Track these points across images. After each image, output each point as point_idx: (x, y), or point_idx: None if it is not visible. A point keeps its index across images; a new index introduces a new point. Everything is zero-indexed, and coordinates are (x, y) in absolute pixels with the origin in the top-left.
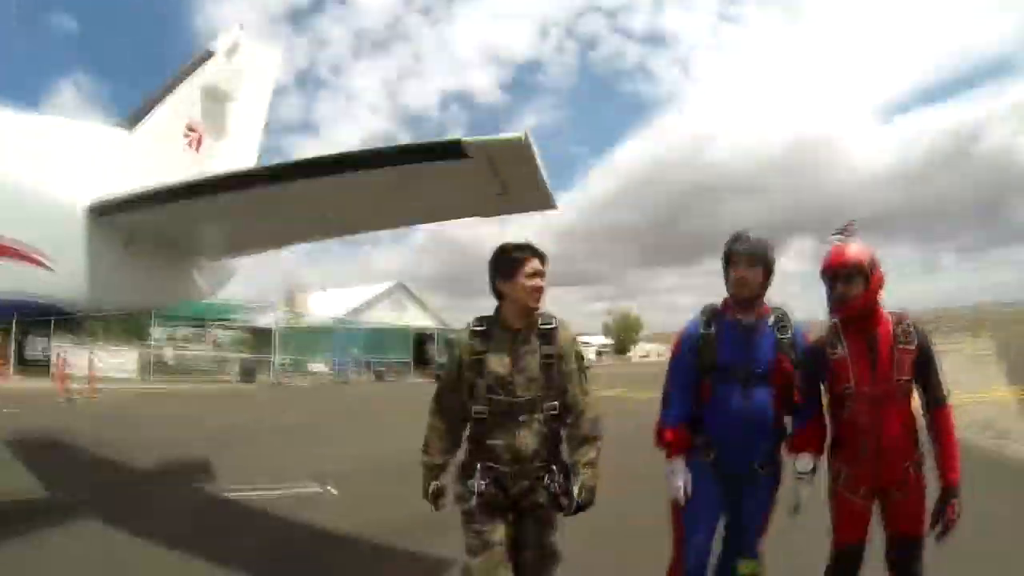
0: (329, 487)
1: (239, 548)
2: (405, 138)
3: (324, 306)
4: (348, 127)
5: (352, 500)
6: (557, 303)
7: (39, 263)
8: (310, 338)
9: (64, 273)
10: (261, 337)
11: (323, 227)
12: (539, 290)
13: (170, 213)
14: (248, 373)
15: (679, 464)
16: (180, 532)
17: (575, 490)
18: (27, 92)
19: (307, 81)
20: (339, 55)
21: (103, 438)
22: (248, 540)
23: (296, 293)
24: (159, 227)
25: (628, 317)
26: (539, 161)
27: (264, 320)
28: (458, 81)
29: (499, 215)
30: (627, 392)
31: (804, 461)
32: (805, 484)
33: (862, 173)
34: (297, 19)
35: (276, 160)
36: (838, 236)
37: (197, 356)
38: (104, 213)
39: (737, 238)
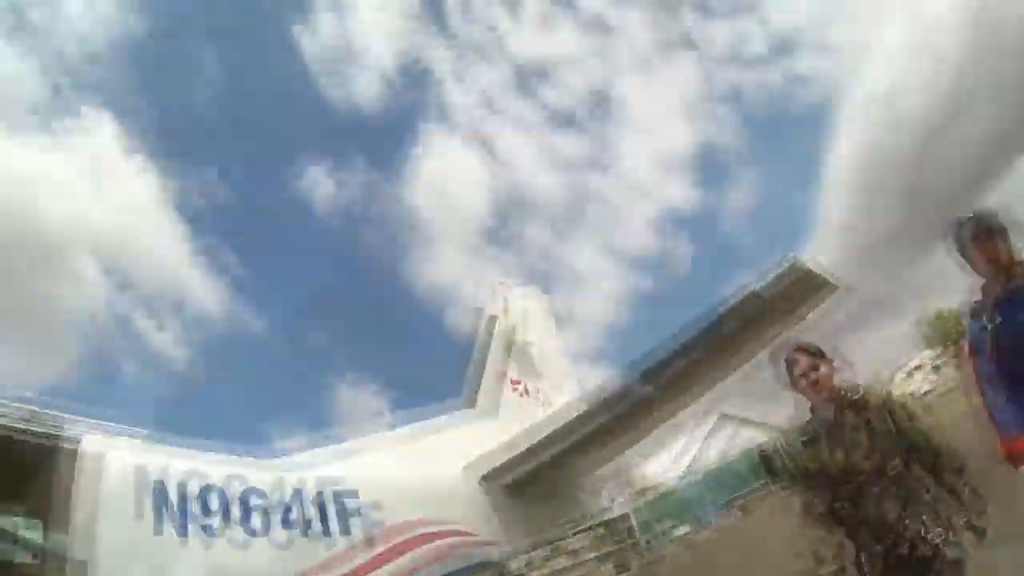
0: None
1: None
2: (648, 286)
3: None
4: (593, 305)
5: None
6: None
7: (468, 533)
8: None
9: (485, 534)
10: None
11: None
12: (814, 384)
13: (541, 459)
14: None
15: None
16: None
17: (960, 528)
18: (317, 397)
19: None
20: (543, 245)
21: None
22: None
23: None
24: (540, 473)
25: None
26: (814, 268)
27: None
28: (655, 206)
29: (802, 323)
30: None
31: None
32: None
33: None
34: (495, 238)
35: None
36: None
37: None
38: (493, 478)
39: (960, 224)
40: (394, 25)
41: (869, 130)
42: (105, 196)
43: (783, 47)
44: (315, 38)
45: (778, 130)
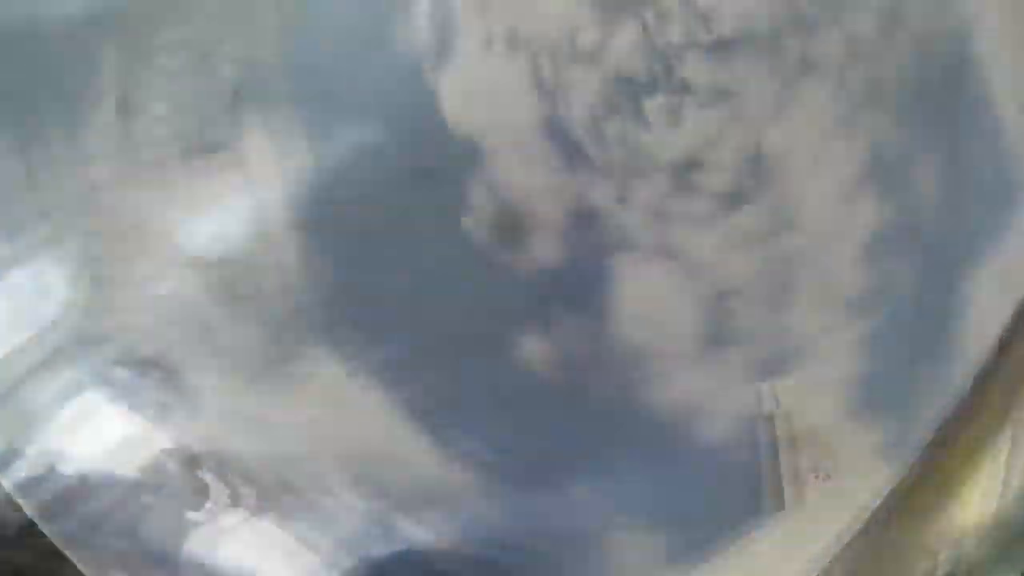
0: None
1: None
2: (874, 324)
3: None
4: (832, 364)
5: None
6: None
7: None
8: None
9: None
10: None
11: None
12: None
13: (860, 549)
14: None
15: None
16: None
17: None
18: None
19: None
20: (762, 326)
21: None
22: None
23: None
24: (864, 559)
25: None
26: None
27: None
28: (851, 239)
29: None
30: None
31: None
32: None
33: None
34: (714, 338)
35: None
36: None
37: None
38: None
39: None
40: (541, 181)
41: (1010, 65)
42: (339, 417)
43: (894, 15)
44: (478, 221)
45: (931, 100)
